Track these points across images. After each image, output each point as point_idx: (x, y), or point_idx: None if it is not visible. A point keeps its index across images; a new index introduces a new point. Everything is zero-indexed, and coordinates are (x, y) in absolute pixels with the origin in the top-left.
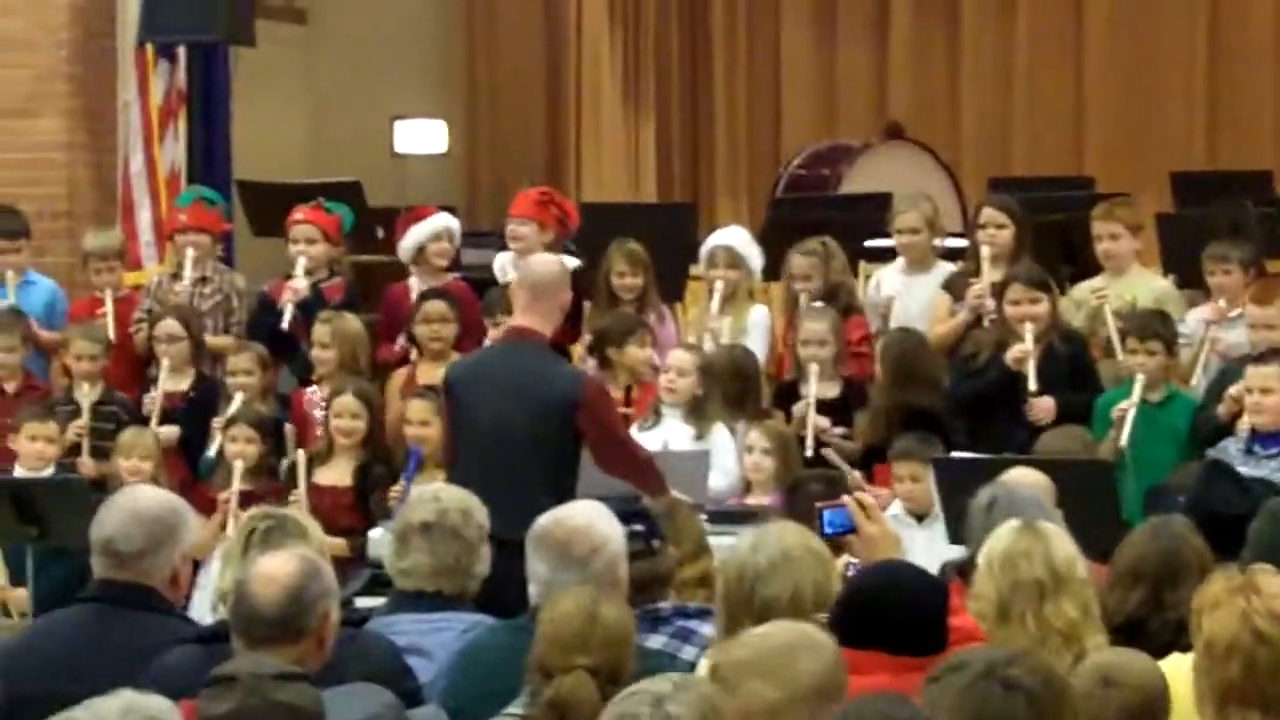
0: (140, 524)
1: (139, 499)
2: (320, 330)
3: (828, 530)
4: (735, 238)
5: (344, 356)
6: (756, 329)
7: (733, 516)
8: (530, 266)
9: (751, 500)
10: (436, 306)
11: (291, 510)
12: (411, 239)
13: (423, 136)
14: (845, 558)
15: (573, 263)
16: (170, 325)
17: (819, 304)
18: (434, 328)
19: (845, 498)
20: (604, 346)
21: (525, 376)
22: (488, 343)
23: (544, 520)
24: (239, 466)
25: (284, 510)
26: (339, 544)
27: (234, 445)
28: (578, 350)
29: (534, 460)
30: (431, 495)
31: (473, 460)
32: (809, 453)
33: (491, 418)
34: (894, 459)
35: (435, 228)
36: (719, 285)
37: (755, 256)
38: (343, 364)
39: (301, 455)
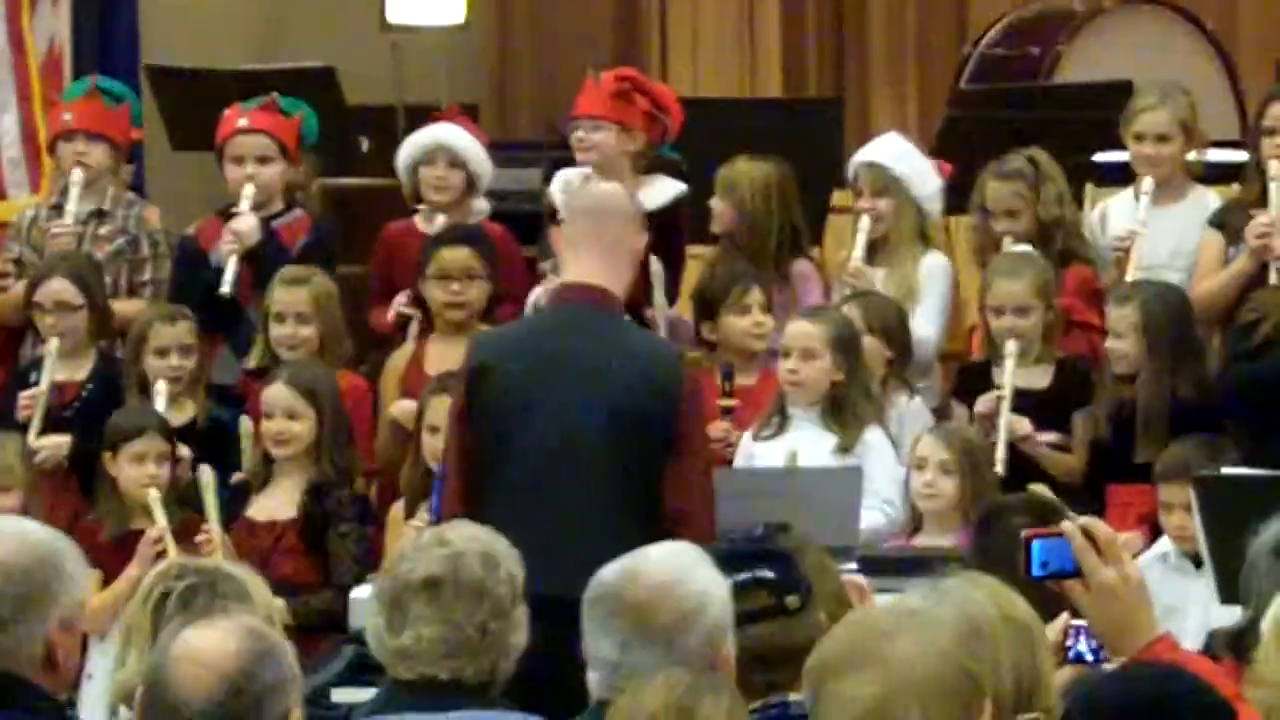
0: None
1: None
2: (290, 294)
3: (1038, 571)
4: (885, 150)
5: (328, 333)
6: (930, 285)
7: (894, 565)
8: (586, 190)
9: (923, 540)
10: (458, 256)
11: (224, 562)
12: (403, 158)
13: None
14: (1064, 619)
15: (671, 189)
16: (59, 287)
17: (1021, 248)
18: (454, 288)
19: (1067, 525)
20: (701, 317)
21: (601, 356)
22: (532, 307)
23: (609, 575)
24: (154, 496)
25: (211, 562)
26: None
27: (138, 467)
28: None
29: (615, 483)
30: (436, 537)
31: (519, 489)
32: (1000, 468)
33: (550, 421)
34: (1164, 478)
35: (424, 143)
36: (864, 223)
37: (923, 178)
38: (326, 345)
39: (206, 472)
